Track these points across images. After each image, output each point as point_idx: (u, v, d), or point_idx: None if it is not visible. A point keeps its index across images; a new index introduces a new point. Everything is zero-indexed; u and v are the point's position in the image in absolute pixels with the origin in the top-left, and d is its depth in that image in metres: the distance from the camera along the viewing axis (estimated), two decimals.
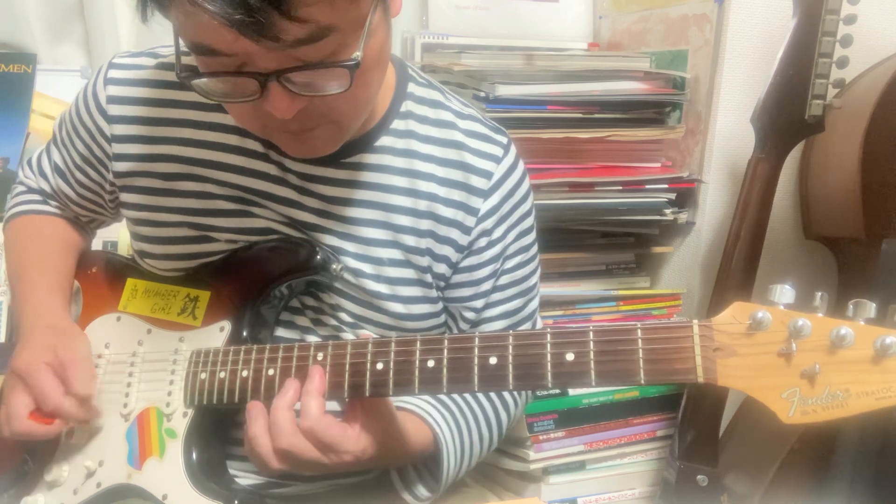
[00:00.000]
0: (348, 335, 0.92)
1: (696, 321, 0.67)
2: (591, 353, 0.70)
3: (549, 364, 0.71)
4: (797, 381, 0.64)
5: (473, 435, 0.93)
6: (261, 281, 0.88)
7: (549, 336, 0.72)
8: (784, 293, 0.65)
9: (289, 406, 0.78)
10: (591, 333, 0.70)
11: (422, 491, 0.91)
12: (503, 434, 0.99)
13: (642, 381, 0.68)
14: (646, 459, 1.42)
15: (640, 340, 0.69)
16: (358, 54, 0.69)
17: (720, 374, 0.66)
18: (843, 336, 0.62)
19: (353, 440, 0.78)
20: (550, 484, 1.37)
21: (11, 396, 0.86)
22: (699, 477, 1.28)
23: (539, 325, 1.06)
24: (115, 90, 0.90)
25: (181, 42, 0.71)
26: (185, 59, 0.72)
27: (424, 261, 0.91)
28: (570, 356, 0.70)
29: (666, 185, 1.41)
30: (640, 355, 0.68)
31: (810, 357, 0.63)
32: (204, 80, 0.71)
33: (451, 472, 0.90)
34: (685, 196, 1.46)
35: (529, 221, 0.97)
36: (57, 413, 0.86)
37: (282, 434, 0.76)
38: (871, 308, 0.62)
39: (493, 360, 0.73)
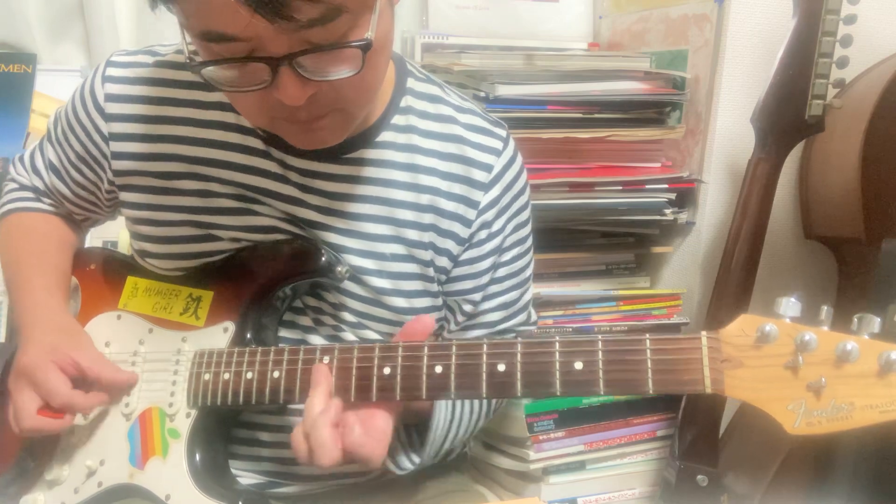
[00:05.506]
0: (349, 335, 0.92)
1: (704, 333, 0.68)
2: (600, 363, 0.70)
3: (557, 372, 0.72)
4: (803, 393, 0.65)
5: (465, 404, 0.93)
6: (266, 282, 0.88)
7: (557, 344, 0.72)
8: (790, 306, 0.66)
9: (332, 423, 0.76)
10: (600, 343, 0.71)
11: (403, 461, 0.89)
12: (495, 408, 1.00)
13: (650, 391, 0.69)
14: (646, 459, 1.42)
15: (648, 351, 0.69)
16: (370, 35, 0.69)
17: (728, 385, 0.67)
18: (850, 351, 0.63)
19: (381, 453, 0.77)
20: (550, 484, 1.37)
21: (18, 395, 0.86)
22: (699, 477, 1.28)
23: (533, 317, 1.07)
24: (113, 88, 0.90)
25: (187, 36, 0.71)
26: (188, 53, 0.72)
27: (427, 255, 0.91)
28: (578, 364, 0.71)
29: (666, 185, 1.41)
30: (649, 365, 0.69)
31: (816, 370, 0.64)
32: (213, 68, 0.70)
33: (437, 439, 0.88)
34: (685, 196, 1.46)
35: (527, 214, 0.98)
36: (67, 408, 0.86)
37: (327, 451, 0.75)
38: (875, 322, 0.64)
39: (501, 367, 0.73)
